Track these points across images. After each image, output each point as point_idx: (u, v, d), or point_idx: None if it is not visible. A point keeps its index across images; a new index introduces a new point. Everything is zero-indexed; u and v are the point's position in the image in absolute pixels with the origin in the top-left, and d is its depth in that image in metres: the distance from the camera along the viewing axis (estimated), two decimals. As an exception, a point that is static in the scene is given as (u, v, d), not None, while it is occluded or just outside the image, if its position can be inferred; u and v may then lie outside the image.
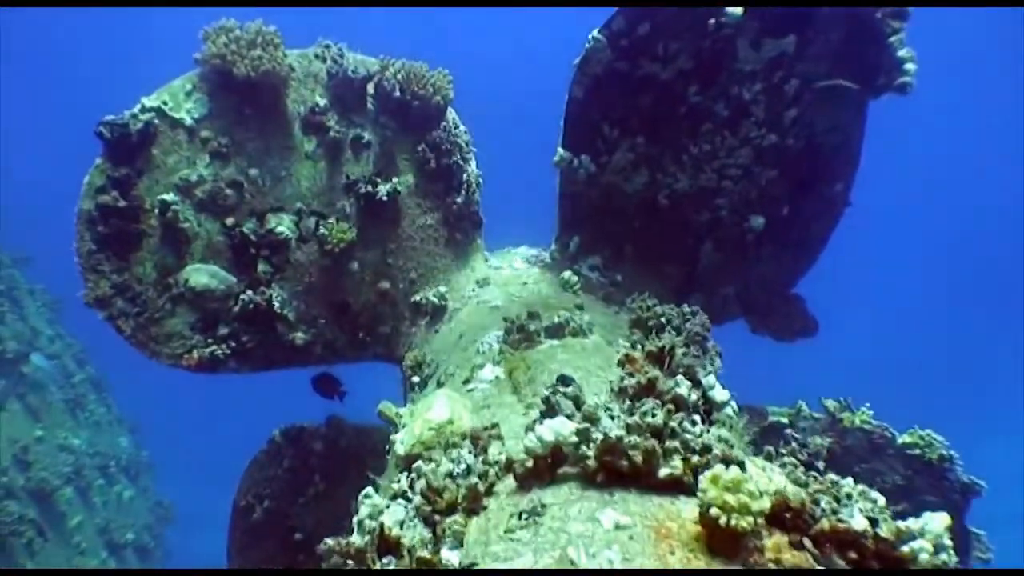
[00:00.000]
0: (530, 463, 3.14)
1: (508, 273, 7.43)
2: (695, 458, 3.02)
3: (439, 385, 5.21)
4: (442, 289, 7.28)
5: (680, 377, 3.66)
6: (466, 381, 4.79)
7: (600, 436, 3.03)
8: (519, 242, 9.12)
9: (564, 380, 3.71)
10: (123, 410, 19.98)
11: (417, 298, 7.40)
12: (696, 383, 3.77)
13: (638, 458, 2.97)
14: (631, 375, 3.70)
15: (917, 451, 7.26)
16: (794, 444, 4.11)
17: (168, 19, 39.10)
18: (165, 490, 20.80)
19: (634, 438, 2.98)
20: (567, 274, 6.99)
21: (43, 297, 17.96)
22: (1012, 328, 44.98)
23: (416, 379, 6.08)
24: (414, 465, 3.72)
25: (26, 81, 48.95)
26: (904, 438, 7.32)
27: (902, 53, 6.95)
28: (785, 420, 7.54)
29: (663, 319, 5.38)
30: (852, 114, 7.50)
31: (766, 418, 7.56)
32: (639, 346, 3.86)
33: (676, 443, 3.03)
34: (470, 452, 3.43)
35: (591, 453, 3.03)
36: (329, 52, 7.22)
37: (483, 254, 7.77)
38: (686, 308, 5.50)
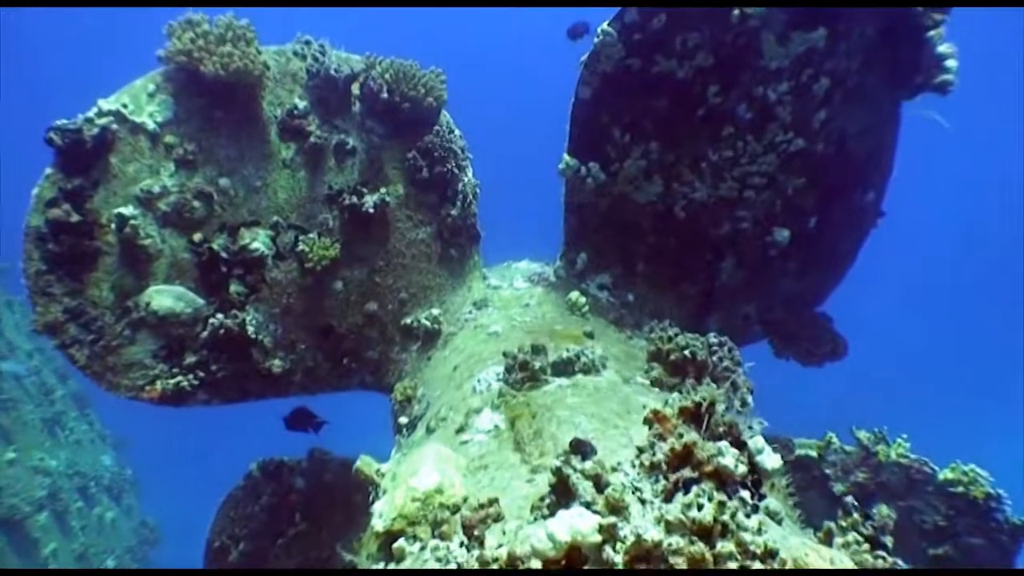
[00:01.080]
0: (537, 563, 2.43)
1: (508, 293, 6.72)
2: (755, 564, 2.31)
3: (429, 431, 4.50)
4: (435, 311, 6.57)
5: (724, 444, 2.95)
6: (460, 429, 4.08)
7: (631, 536, 2.32)
8: (520, 255, 8.42)
9: (579, 447, 2.99)
10: (107, 425, 19.20)
11: (408, 321, 6.69)
12: (741, 445, 3.07)
13: (681, 564, 2.27)
14: (661, 438, 2.99)
15: (960, 488, 6.55)
16: (855, 515, 3.42)
17: (134, 14, 37.93)
18: (152, 509, 20.01)
19: (676, 540, 2.28)
20: (574, 295, 6.28)
21: (22, 309, 17.17)
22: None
23: (404, 419, 5.37)
24: (395, 548, 3.02)
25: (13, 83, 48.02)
26: (945, 474, 6.61)
27: (942, 49, 6.27)
28: (814, 453, 6.84)
29: (686, 352, 4.67)
30: (885, 116, 6.81)
31: (792, 451, 6.86)
32: (670, 400, 3.15)
33: (731, 546, 2.32)
34: (462, 545, 2.72)
35: (619, 559, 2.32)
36: (309, 49, 6.52)
37: (481, 271, 7.06)
38: (712, 338, 4.80)
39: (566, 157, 6.37)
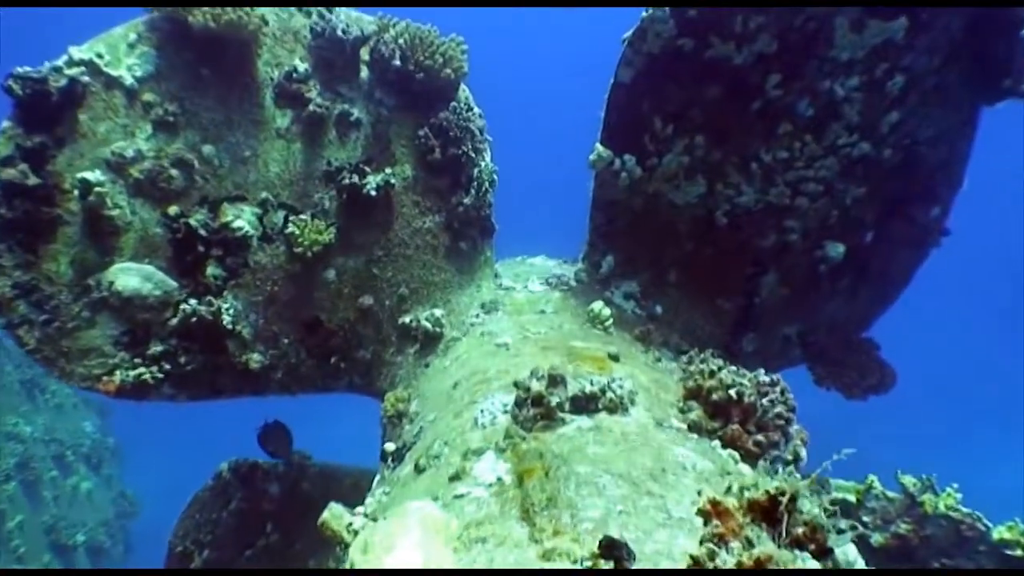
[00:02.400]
0: None
1: (522, 297, 5.93)
2: None
3: (418, 470, 3.72)
4: (437, 312, 5.79)
5: (807, 556, 2.19)
6: (456, 476, 3.32)
7: None
8: (535, 250, 7.63)
9: (612, 549, 2.23)
10: (93, 389, 18.46)
11: (406, 320, 5.91)
12: (826, 553, 2.31)
13: None
14: (721, 539, 2.23)
15: (1019, 551, 5.80)
16: None
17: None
18: (135, 478, 19.30)
19: None
20: (598, 305, 5.49)
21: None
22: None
23: (391, 445, 4.59)
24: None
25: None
26: (1001, 532, 5.84)
27: (1038, 50, 5.48)
28: (852, 498, 6.08)
29: (731, 392, 3.89)
30: (962, 123, 6.01)
31: (829, 493, 6.11)
32: (733, 485, 2.38)
33: None
34: None
35: None
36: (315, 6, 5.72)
37: (493, 269, 6.26)
38: (763, 376, 4.02)
39: (598, 147, 5.58)
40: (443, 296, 5.97)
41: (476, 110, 6.03)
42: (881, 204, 6.03)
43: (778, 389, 3.91)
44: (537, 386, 3.61)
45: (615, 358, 4.57)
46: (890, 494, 6.04)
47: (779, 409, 3.81)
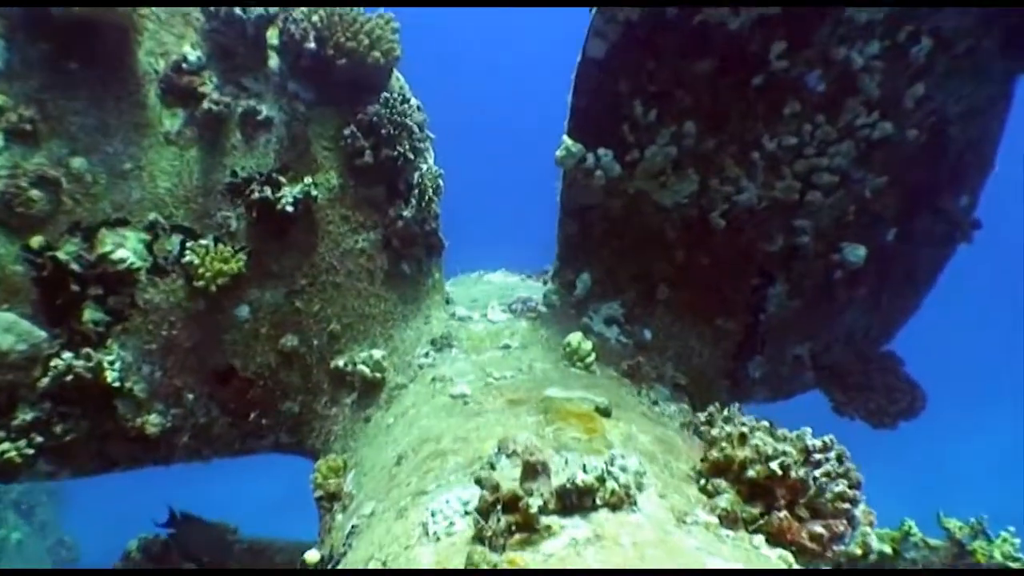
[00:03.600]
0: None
1: (481, 329, 4.84)
2: None
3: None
4: (377, 353, 4.68)
5: None
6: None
7: None
8: (495, 261, 6.58)
9: None
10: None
11: (340, 363, 4.80)
12: None
13: None
14: None
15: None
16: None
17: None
18: (79, 522, 17.76)
19: None
20: (575, 338, 4.41)
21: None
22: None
23: (313, 554, 3.49)
24: None
25: None
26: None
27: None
28: (888, 548, 5.09)
29: (774, 465, 2.84)
30: (995, 95, 5.05)
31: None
32: None
33: None
34: None
35: None
36: (208, -21, 4.60)
37: (443, 295, 5.18)
38: (810, 438, 2.97)
39: (566, 140, 4.51)
40: (384, 332, 4.87)
41: (413, 102, 4.93)
42: (904, 195, 5.05)
43: (833, 455, 2.88)
44: (508, 482, 2.52)
45: (606, 412, 3.50)
46: (931, 541, 5.05)
47: (840, 487, 2.77)
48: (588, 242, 4.88)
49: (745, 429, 2.98)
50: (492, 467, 2.83)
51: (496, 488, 2.48)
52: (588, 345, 4.31)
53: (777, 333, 5.20)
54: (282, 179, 4.67)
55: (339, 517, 3.71)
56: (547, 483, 2.58)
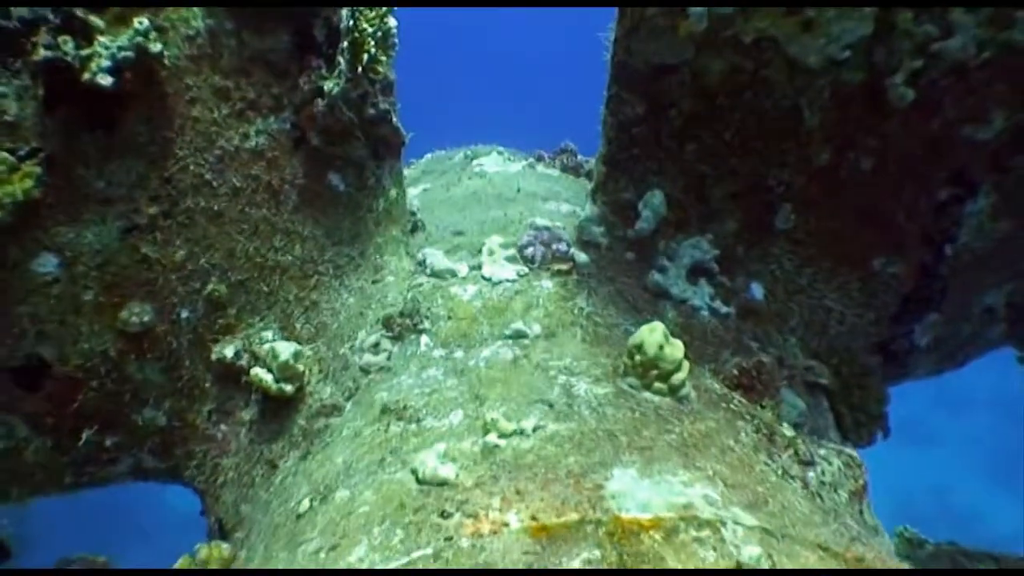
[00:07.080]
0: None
1: (473, 295, 2.68)
2: None
3: None
4: (284, 348, 2.60)
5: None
6: None
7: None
8: (484, 135, 4.45)
9: None
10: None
11: (227, 352, 2.75)
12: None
13: None
14: None
15: None
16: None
17: None
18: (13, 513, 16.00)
19: None
20: (652, 338, 2.17)
21: None
22: None
23: None
24: None
25: None
26: None
27: None
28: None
29: None
30: None
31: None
32: None
33: None
34: None
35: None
36: None
37: (404, 226, 3.03)
38: None
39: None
40: (301, 297, 2.78)
41: None
42: None
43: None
44: None
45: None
46: None
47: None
48: (662, 134, 2.71)
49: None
50: None
51: None
52: (676, 350, 2.20)
53: (967, 275, 3.11)
54: (94, 21, 2.49)
55: None
56: None
